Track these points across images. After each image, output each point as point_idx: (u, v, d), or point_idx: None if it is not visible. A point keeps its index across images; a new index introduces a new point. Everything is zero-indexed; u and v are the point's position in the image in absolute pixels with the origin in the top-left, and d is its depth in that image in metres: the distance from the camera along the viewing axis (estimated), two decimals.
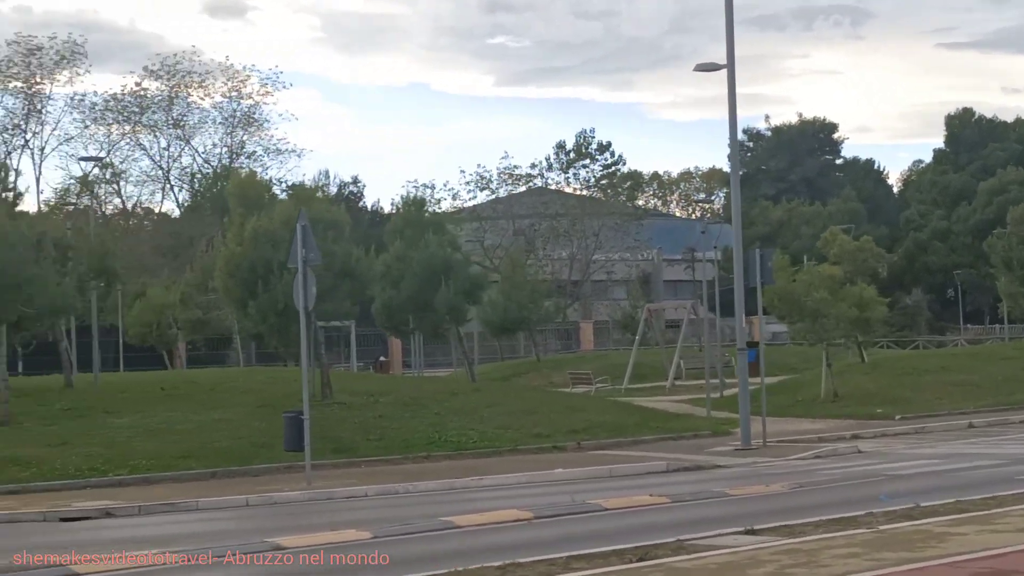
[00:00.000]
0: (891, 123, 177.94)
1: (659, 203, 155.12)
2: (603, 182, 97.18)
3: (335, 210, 33.13)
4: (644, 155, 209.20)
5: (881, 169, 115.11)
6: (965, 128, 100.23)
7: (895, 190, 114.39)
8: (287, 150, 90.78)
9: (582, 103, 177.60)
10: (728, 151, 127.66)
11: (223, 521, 20.05)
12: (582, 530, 17.16)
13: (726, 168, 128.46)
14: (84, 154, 79.79)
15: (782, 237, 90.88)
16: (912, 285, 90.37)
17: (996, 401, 38.73)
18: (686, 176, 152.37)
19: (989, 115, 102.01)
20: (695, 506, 19.87)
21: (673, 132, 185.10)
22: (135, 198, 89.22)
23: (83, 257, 33.34)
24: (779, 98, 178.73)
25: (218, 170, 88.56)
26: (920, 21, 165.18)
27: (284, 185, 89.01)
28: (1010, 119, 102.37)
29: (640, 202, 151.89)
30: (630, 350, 55.63)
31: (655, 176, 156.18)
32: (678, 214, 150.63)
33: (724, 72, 29.34)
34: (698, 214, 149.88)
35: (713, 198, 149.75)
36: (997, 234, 54.37)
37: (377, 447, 28.42)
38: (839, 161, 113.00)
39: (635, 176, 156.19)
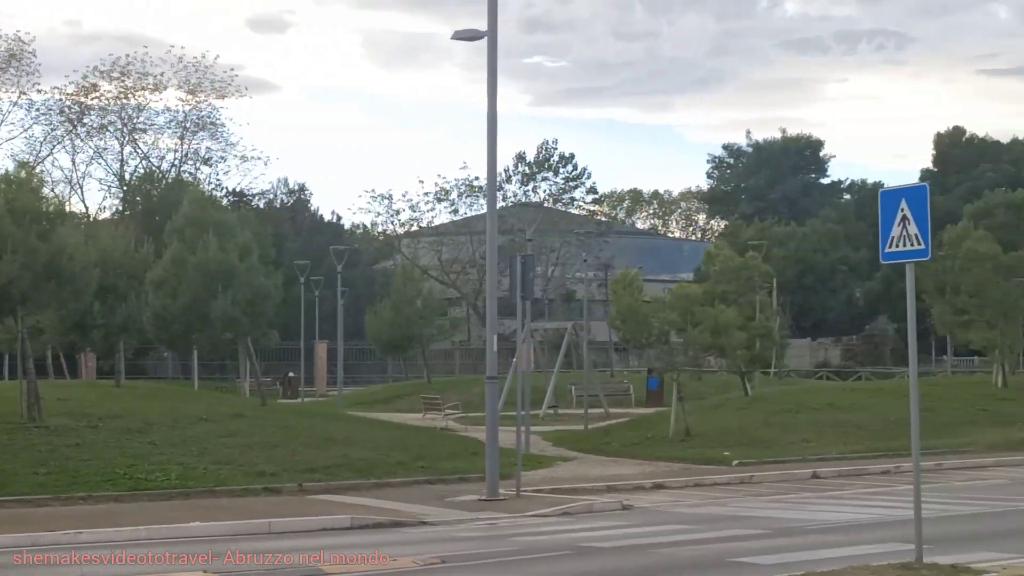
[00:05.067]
0: (924, 148, 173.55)
1: (660, 222, 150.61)
2: (565, 196, 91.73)
3: (53, 201, 28.02)
4: (673, 175, 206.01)
5: None
6: (955, 148, 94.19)
7: None
8: (253, 157, 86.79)
9: (618, 124, 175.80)
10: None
11: None
12: None
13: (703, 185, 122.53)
14: (19, 155, 76.19)
15: None
16: (888, 312, 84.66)
17: (872, 446, 33.21)
18: (687, 196, 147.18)
19: (982, 134, 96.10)
20: None
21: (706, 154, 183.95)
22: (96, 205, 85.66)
23: None
24: (818, 122, 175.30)
25: (169, 176, 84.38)
26: (962, 47, 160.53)
27: (225, 190, 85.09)
28: (1005, 139, 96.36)
29: (640, 222, 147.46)
30: (557, 372, 50.44)
31: (655, 195, 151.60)
32: (677, 234, 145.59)
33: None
34: (699, 235, 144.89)
35: (715, 219, 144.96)
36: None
37: (36, 484, 23.31)
38: (825, 181, 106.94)
39: (633, 194, 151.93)
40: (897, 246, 14.67)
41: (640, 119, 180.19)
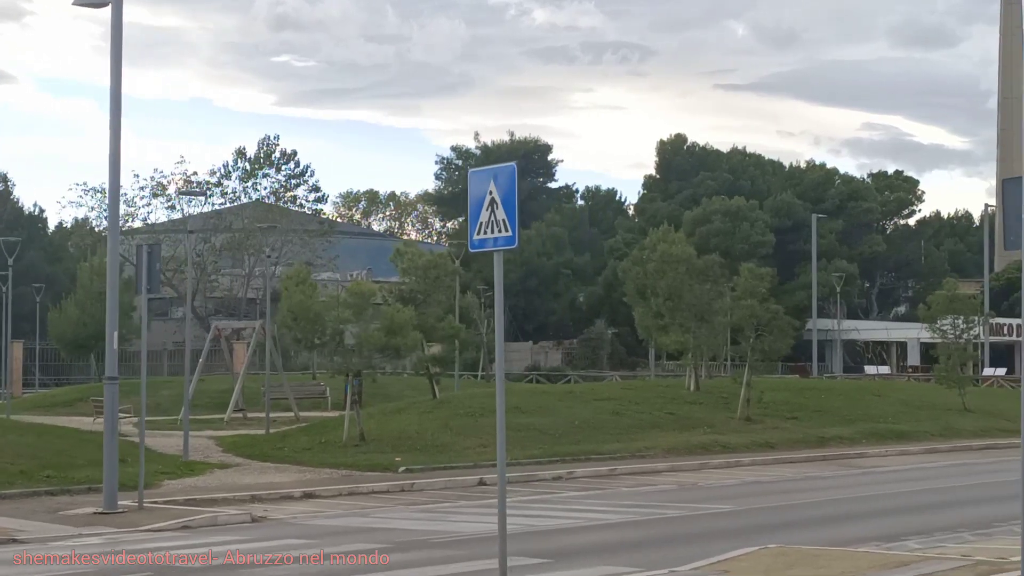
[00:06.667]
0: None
1: (396, 224, 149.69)
2: (288, 195, 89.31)
3: None
4: (416, 178, 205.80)
5: (623, 200, 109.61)
6: (677, 156, 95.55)
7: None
8: None
9: (366, 126, 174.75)
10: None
11: None
12: None
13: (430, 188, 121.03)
14: None
15: (477, 261, 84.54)
16: (607, 316, 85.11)
17: (551, 451, 32.19)
18: (423, 198, 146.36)
19: (703, 143, 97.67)
20: None
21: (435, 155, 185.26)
22: None
23: None
24: (563, 131, 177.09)
25: None
26: (700, 61, 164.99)
27: None
28: (725, 149, 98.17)
29: (376, 224, 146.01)
30: (273, 373, 47.96)
31: (392, 196, 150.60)
32: (414, 236, 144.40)
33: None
34: (434, 238, 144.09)
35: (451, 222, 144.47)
36: (633, 258, 48.35)
37: None
38: (553, 185, 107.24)
39: (370, 195, 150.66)
40: (485, 233, 13.29)
41: (388, 122, 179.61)
